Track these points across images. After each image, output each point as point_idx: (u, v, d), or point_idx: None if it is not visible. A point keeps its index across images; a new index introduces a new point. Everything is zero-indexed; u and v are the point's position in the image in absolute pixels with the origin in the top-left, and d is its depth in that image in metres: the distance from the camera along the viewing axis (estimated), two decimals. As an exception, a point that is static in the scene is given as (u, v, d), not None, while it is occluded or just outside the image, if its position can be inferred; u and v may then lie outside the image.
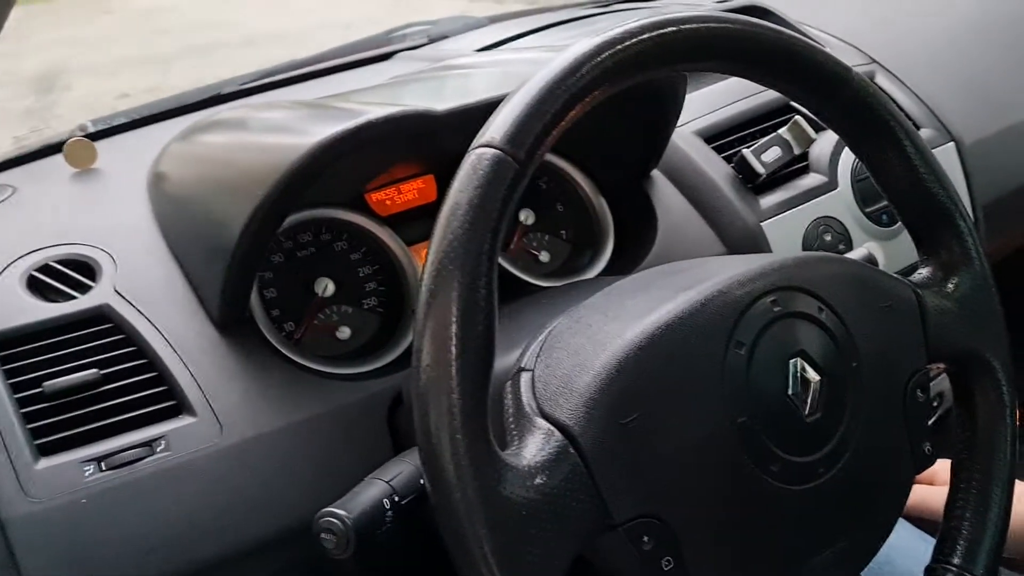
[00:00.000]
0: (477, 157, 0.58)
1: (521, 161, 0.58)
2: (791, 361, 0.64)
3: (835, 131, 0.76)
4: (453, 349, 0.54)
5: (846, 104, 0.72)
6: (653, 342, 0.61)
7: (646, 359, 0.61)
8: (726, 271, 0.67)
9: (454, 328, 0.54)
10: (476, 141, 0.59)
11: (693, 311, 0.63)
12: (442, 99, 0.88)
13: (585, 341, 0.65)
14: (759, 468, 0.62)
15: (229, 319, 0.86)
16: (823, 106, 0.73)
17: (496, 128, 0.58)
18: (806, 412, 0.64)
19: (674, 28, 0.63)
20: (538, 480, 0.56)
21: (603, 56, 0.60)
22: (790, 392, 0.63)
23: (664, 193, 1.12)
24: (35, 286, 0.87)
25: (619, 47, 0.61)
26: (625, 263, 1.08)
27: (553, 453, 0.58)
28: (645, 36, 0.61)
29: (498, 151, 0.58)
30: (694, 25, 0.63)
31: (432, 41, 1.58)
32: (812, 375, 0.64)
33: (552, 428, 0.59)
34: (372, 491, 0.70)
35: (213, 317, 0.86)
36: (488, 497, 0.54)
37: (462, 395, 0.54)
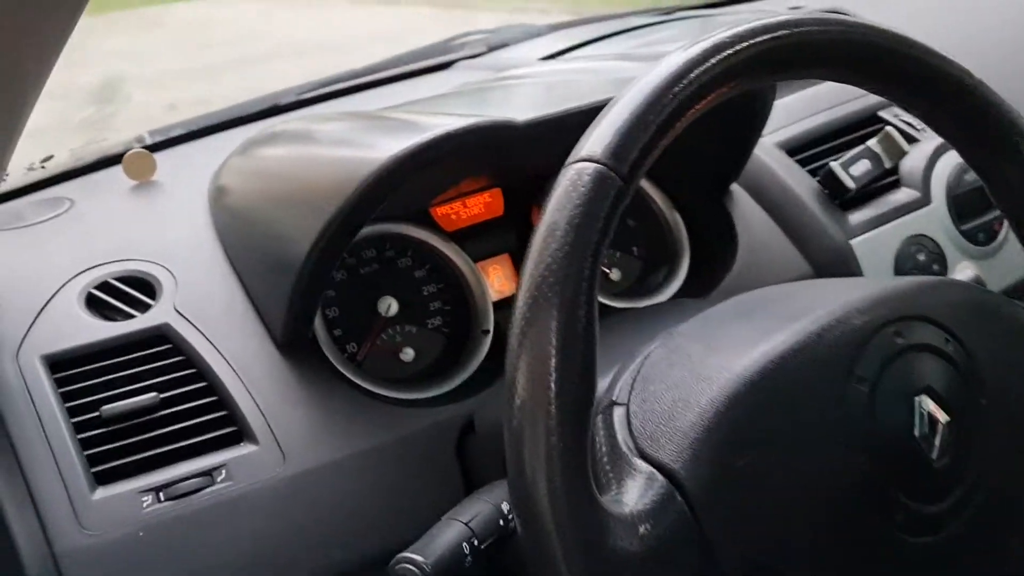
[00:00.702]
0: (577, 173, 0.53)
1: (625, 177, 0.53)
2: (917, 399, 0.58)
3: (948, 140, 0.70)
4: (552, 385, 0.49)
5: (966, 112, 0.65)
6: (765, 376, 0.55)
7: (757, 396, 0.55)
8: (840, 297, 0.60)
9: (553, 361, 0.49)
10: (574, 155, 0.54)
11: (808, 342, 0.57)
12: (517, 110, 0.83)
13: (686, 374, 0.59)
14: (882, 518, 0.56)
15: (292, 340, 0.82)
16: (939, 113, 0.67)
17: (597, 141, 0.53)
18: (934, 456, 0.57)
19: (787, 32, 0.57)
20: (642, 530, 0.51)
21: (712, 61, 0.55)
22: (917, 433, 0.57)
23: (744, 209, 1.05)
24: (94, 304, 0.84)
25: (729, 52, 0.55)
26: (702, 284, 1.02)
27: (657, 499, 0.52)
28: (758, 40, 0.56)
29: (600, 166, 0.53)
30: (810, 28, 0.58)
31: (491, 50, 1.54)
32: (940, 414, 0.58)
33: (654, 471, 0.54)
34: (450, 534, 0.65)
35: (275, 338, 0.82)
36: (590, 548, 0.49)
37: (561, 435, 0.49)
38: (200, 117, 1.29)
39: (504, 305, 1.00)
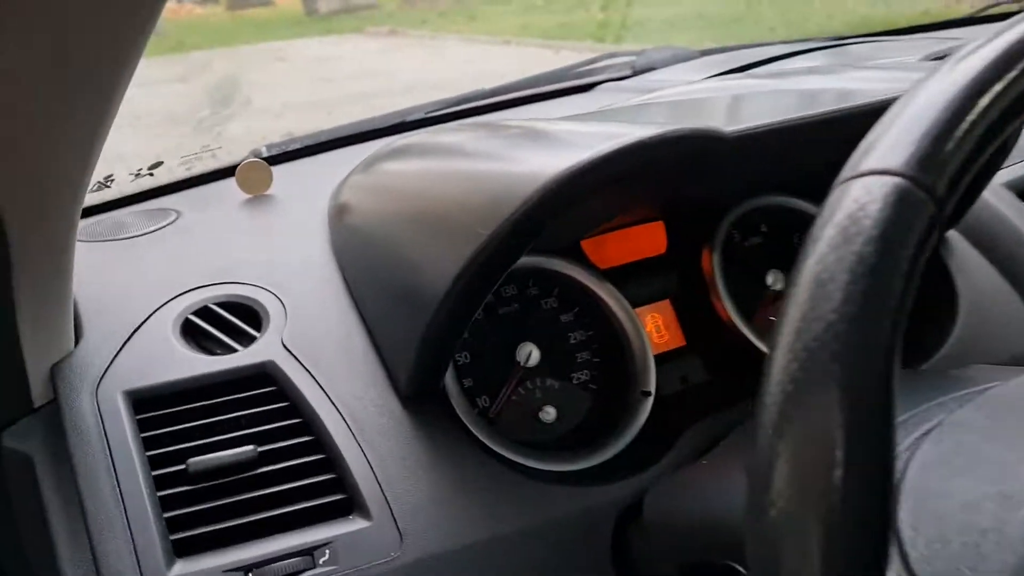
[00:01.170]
0: (864, 190, 0.36)
1: (940, 197, 0.36)
2: None
3: None
4: (837, 489, 0.32)
5: None
6: None
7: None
8: None
9: (839, 453, 0.32)
10: (855, 167, 0.37)
11: None
12: (709, 123, 0.66)
13: (988, 489, 0.41)
14: None
15: (419, 392, 0.67)
16: None
17: (896, 147, 0.36)
18: None
19: None
20: None
21: None
22: None
23: (966, 260, 0.86)
24: (190, 333, 0.71)
25: None
26: (915, 351, 0.82)
27: None
28: None
29: (904, 181, 0.36)
30: None
31: (636, 73, 1.39)
32: None
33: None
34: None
35: (399, 387, 0.67)
36: None
37: (850, 560, 0.32)
38: (320, 132, 1.18)
39: (665, 361, 0.83)
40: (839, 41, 1.51)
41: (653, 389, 0.77)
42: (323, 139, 1.14)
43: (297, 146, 1.13)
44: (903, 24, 1.67)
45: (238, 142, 1.03)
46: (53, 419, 0.64)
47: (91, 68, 0.40)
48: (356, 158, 0.93)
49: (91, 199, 0.90)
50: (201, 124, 0.92)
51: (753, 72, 1.20)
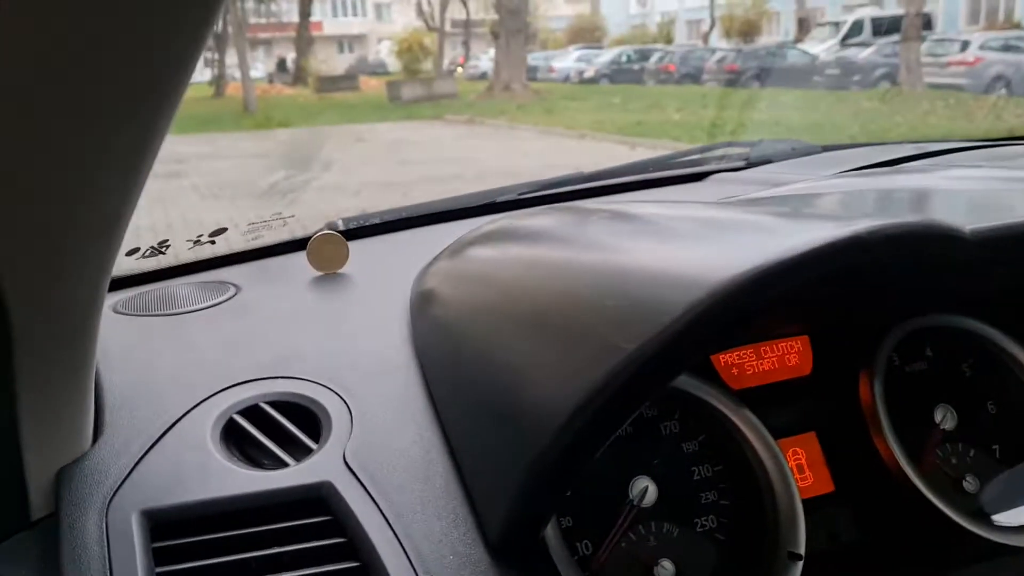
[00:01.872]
0: None
1: None
2: None
3: None
4: None
5: None
6: None
7: None
8: None
9: None
10: None
11: None
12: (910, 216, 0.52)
13: None
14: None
15: (513, 543, 0.51)
16: None
17: None
18: None
19: None
20: None
21: None
22: None
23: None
24: (233, 437, 0.58)
25: None
26: None
27: None
28: None
29: None
30: None
31: (751, 165, 1.25)
32: None
33: None
34: None
35: (488, 534, 0.52)
36: None
37: None
38: (403, 208, 1.07)
39: (809, 510, 0.66)
40: (972, 144, 1.36)
41: (803, 550, 0.60)
42: (406, 215, 1.03)
43: (377, 221, 1.01)
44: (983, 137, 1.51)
45: (311, 218, 0.92)
46: (52, 538, 0.51)
47: (123, 108, 0.33)
48: (442, 238, 0.81)
49: (140, 265, 0.79)
50: (274, 188, 0.81)
51: (903, 168, 1.05)
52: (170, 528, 0.51)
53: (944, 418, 0.72)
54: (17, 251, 0.37)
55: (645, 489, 0.63)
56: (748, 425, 0.65)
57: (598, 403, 0.42)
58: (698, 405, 0.65)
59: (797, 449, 0.70)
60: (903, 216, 0.45)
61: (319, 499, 0.54)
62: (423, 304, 0.69)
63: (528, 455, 0.47)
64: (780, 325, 0.68)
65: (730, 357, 0.70)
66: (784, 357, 0.72)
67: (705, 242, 0.49)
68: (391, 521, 0.52)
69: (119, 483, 0.52)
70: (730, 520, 0.65)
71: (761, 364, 0.71)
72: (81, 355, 0.48)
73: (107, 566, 0.48)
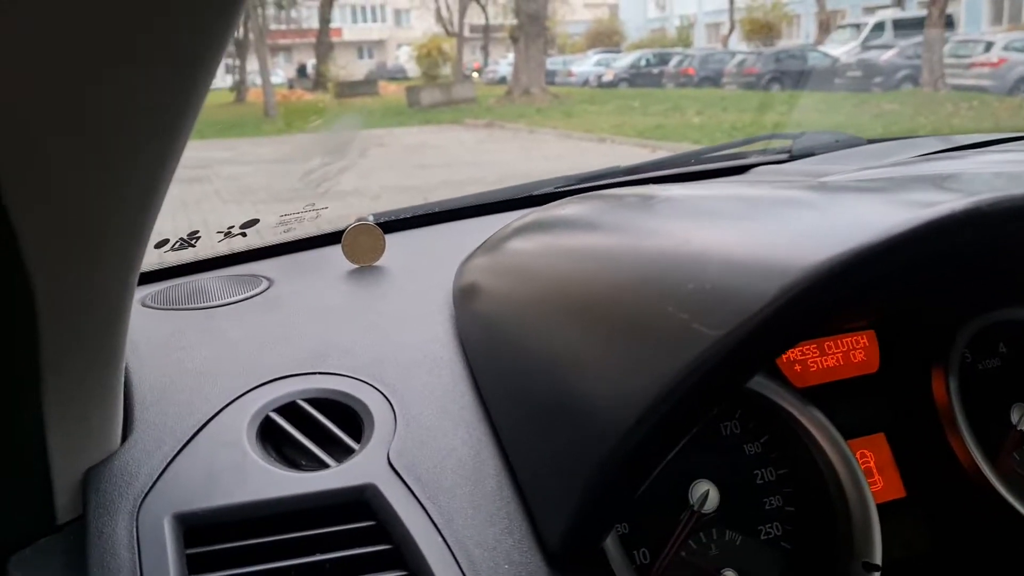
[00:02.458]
0: None
1: None
2: None
3: None
4: None
5: None
6: None
7: None
8: None
9: None
10: None
11: None
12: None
13: None
14: None
15: (574, 551, 0.47)
16: None
17: None
18: None
19: None
20: None
21: None
22: None
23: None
24: (270, 436, 0.54)
25: None
26: None
27: None
28: None
29: None
30: None
31: (794, 158, 1.20)
32: None
33: None
34: None
35: (546, 540, 0.48)
36: None
37: None
38: (437, 203, 1.03)
39: (885, 516, 0.62)
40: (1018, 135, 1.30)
41: (879, 560, 0.56)
42: (439, 209, 0.99)
43: (409, 215, 0.98)
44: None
45: (331, 222, 0.89)
46: (79, 543, 0.47)
47: (156, 96, 0.31)
48: (480, 231, 0.77)
49: (170, 258, 0.76)
50: (308, 177, 0.78)
51: (956, 156, 1.00)
52: (204, 533, 0.47)
53: (1022, 419, 0.67)
54: (45, 245, 0.34)
55: (706, 494, 0.58)
56: (816, 425, 0.60)
57: (676, 397, 0.38)
58: (761, 404, 0.61)
59: (865, 451, 0.66)
60: (1009, 190, 0.40)
61: (363, 502, 0.50)
62: (466, 297, 0.65)
63: (593, 458, 0.42)
64: (849, 317, 0.64)
65: (793, 353, 0.66)
66: (850, 353, 0.67)
67: (784, 222, 0.44)
68: (440, 526, 0.48)
69: (150, 485, 0.49)
70: (797, 527, 0.61)
71: (825, 360, 0.67)
72: (109, 351, 0.45)
73: (138, 573, 0.44)
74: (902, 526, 0.64)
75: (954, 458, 0.64)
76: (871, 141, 1.28)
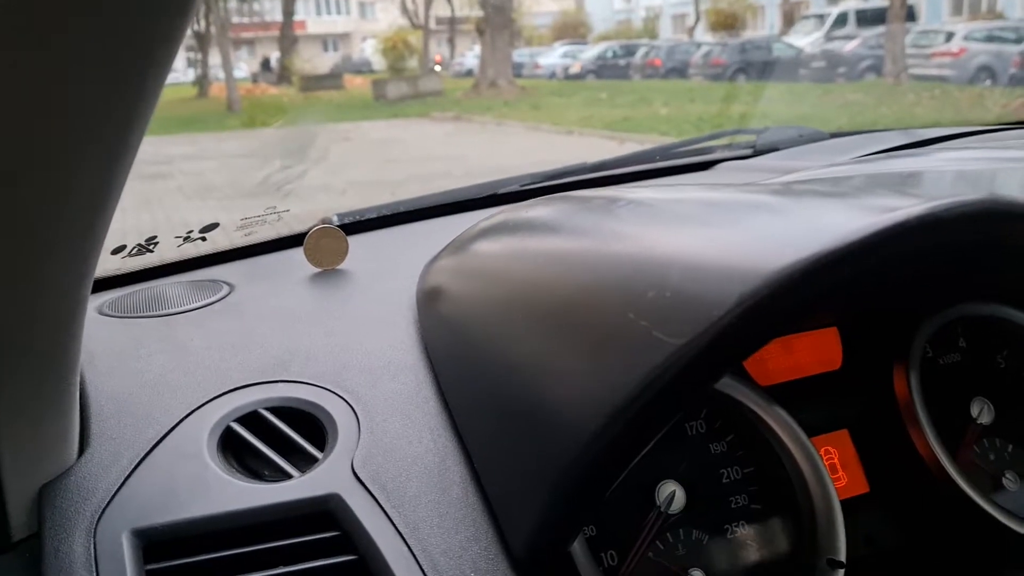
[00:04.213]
0: None
1: None
2: None
3: None
4: None
5: None
6: None
7: None
8: None
9: None
10: None
11: None
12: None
13: None
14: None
15: (539, 556, 0.47)
16: None
17: None
18: None
19: None
20: None
21: None
22: None
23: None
24: (231, 446, 0.53)
25: None
26: None
27: None
28: None
29: None
30: None
31: (758, 153, 1.21)
32: None
33: None
34: None
35: (512, 546, 0.48)
36: None
37: None
38: (401, 202, 1.02)
39: (844, 513, 0.62)
40: (977, 129, 1.32)
41: (844, 556, 0.57)
42: (404, 209, 0.98)
43: (373, 215, 0.97)
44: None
45: (298, 218, 0.88)
46: (34, 561, 0.46)
47: (101, 103, 0.30)
48: (445, 232, 0.77)
49: (127, 264, 0.74)
50: (268, 181, 0.76)
51: (914, 152, 1.02)
52: (164, 548, 0.46)
53: (981, 412, 0.68)
54: None
55: (672, 494, 0.59)
56: (780, 423, 0.61)
57: (639, 405, 0.38)
58: (726, 403, 0.61)
59: (829, 448, 0.66)
60: (964, 195, 0.41)
61: (327, 513, 0.49)
62: (430, 301, 0.64)
63: (558, 464, 0.42)
64: (811, 318, 0.64)
65: (757, 353, 0.66)
66: (812, 351, 0.68)
67: (746, 227, 0.44)
68: (405, 536, 0.48)
69: (108, 500, 0.48)
70: (762, 526, 0.61)
71: (789, 358, 0.67)
72: (64, 361, 0.44)
73: None
74: (866, 521, 0.65)
75: (915, 453, 0.64)
76: (834, 135, 1.29)
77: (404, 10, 17.12)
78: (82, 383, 0.55)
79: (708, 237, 0.44)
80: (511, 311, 0.53)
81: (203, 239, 0.76)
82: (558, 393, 0.44)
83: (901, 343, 0.67)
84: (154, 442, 0.52)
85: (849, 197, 0.49)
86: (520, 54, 16.97)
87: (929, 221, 0.35)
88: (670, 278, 0.40)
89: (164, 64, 0.31)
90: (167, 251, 0.76)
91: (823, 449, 0.66)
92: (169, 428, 0.53)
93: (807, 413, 0.65)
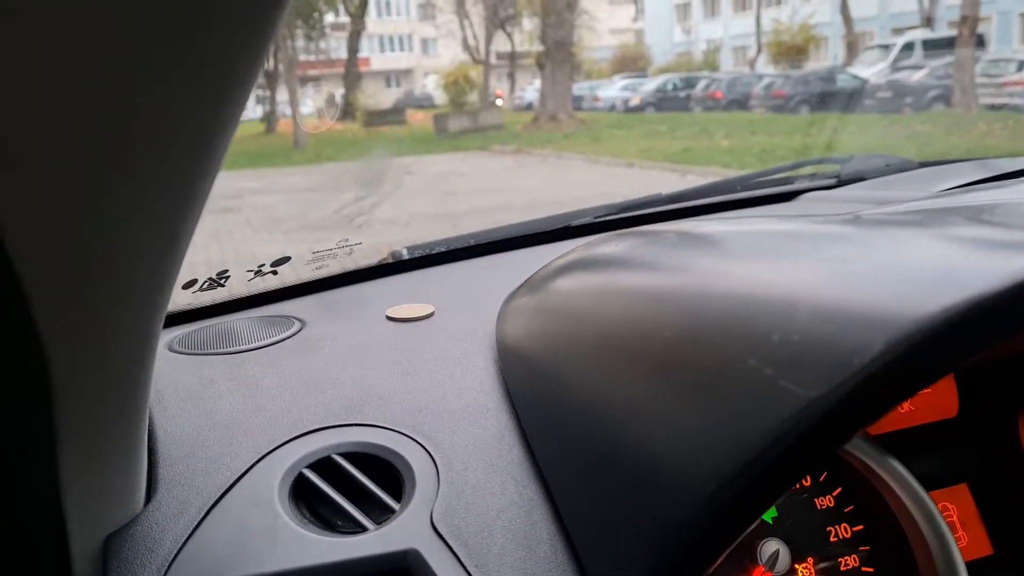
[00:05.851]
0: None
1: None
2: None
3: None
4: None
5: None
6: None
7: None
8: None
9: None
10: None
11: None
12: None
13: None
14: None
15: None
16: None
17: None
18: None
19: None
20: None
21: None
22: None
23: None
24: (303, 495, 0.50)
25: None
26: None
27: None
28: None
29: None
30: None
31: (842, 183, 1.16)
32: None
33: None
34: None
35: None
36: None
37: None
38: (471, 235, 0.99)
39: (976, 574, 0.56)
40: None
41: None
42: (475, 242, 0.95)
43: (443, 249, 0.94)
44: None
45: (362, 251, 0.85)
46: None
47: (179, 139, 0.29)
48: (521, 266, 0.73)
49: (197, 299, 0.72)
50: (343, 211, 0.74)
51: (1015, 183, 0.95)
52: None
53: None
54: (59, 287, 0.30)
55: (776, 553, 0.54)
56: (894, 476, 0.55)
57: (762, 465, 0.34)
58: (834, 455, 0.56)
59: (947, 504, 0.60)
60: None
61: (405, 570, 0.46)
62: (511, 341, 0.61)
63: (663, 529, 0.38)
64: None
65: (864, 397, 0.61)
66: (927, 396, 0.62)
67: (874, 263, 0.40)
68: (491, 599, 0.44)
69: (176, 552, 0.45)
70: (877, 591, 0.55)
71: (901, 405, 0.62)
72: (135, 403, 0.41)
73: None
74: None
75: None
76: (923, 164, 1.23)
77: (465, 46, 17.38)
78: (150, 425, 0.53)
79: (832, 274, 0.40)
80: (603, 354, 0.49)
81: (274, 272, 0.74)
82: (663, 447, 0.40)
83: (1023, 390, 0.61)
84: (224, 489, 0.49)
85: (980, 231, 0.44)
86: (580, 87, 17.03)
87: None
88: (797, 320, 0.35)
89: (244, 91, 0.29)
90: (237, 285, 0.74)
91: (941, 505, 0.60)
92: (240, 474, 0.50)
93: (921, 465, 0.59)
